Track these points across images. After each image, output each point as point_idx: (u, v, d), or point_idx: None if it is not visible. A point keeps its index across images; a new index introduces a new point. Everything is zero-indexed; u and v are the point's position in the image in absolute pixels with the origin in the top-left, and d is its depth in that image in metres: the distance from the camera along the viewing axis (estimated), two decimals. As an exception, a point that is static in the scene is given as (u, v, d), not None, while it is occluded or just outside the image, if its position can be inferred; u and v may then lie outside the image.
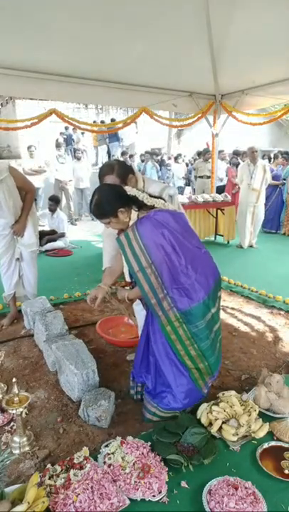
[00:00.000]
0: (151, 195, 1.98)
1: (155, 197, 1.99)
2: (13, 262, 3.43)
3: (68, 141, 11.79)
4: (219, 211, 6.70)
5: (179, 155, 11.49)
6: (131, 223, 1.94)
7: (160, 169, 10.59)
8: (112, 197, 1.92)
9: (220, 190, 7.86)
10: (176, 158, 11.28)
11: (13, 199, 3.18)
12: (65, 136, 11.97)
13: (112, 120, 10.21)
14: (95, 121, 11.79)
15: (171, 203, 2.21)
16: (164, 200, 2.02)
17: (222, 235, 6.82)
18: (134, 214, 1.95)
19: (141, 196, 1.92)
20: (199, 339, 1.93)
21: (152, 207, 1.95)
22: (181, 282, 1.84)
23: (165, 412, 2.02)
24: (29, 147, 8.44)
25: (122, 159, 10.05)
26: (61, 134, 12.02)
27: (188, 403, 2.02)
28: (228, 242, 6.78)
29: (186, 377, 1.97)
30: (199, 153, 9.81)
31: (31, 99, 9.71)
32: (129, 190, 1.93)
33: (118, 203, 1.90)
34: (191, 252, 1.90)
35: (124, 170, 2.20)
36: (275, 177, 7.82)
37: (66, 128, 11.85)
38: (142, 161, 10.10)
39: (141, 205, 1.95)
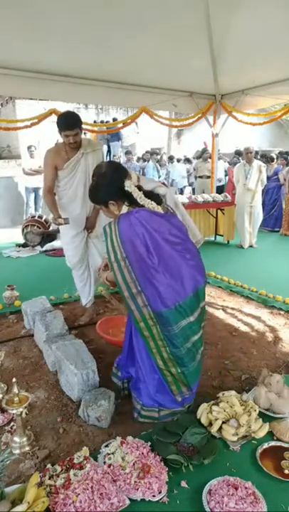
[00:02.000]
0: (148, 195, 1.98)
1: (152, 197, 1.99)
2: (88, 268, 3.36)
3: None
4: (219, 211, 6.70)
5: (209, 156, 11.29)
6: None
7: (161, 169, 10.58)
8: (106, 188, 1.97)
9: (218, 190, 7.87)
10: (188, 160, 11.23)
11: None
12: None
13: (114, 119, 10.20)
14: (95, 121, 11.78)
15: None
16: (157, 202, 2.00)
17: (222, 235, 6.83)
18: (125, 208, 1.97)
19: (135, 194, 1.94)
20: (172, 344, 1.93)
21: (142, 206, 1.96)
22: (153, 283, 1.84)
23: (146, 409, 2.05)
24: (29, 147, 8.42)
25: (125, 159, 10.06)
26: None
27: (159, 400, 2.03)
28: (228, 242, 6.78)
29: (158, 374, 2.01)
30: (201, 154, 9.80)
31: (31, 99, 9.73)
32: (128, 185, 1.94)
33: (110, 195, 1.96)
34: (169, 256, 1.88)
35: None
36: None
37: None
38: (144, 160, 10.08)
39: (133, 202, 1.97)
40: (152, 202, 1.96)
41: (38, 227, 6.41)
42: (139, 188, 1.99)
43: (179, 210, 2.41)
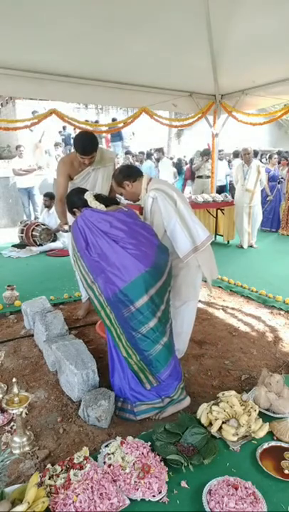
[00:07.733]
0: (100, 199, 2.34)
1: (102, 200, 2.35)
2: None
3: (67, 140, 11.77)
4: (219, 211, 6.70)
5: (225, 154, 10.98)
6: None
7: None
8: (69, 199, 2.56)
9: (219, 190, 7.85)
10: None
11: (108, 186, 3.23)
12: (64, 136, 11.95)
13: (114, 120, 10.19)
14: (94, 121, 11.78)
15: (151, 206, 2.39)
16: (105, 204, 2.31)
17: (222, 235, 6.83)
18: None
19: (89, 201, 2.34)
20: (125, 331, 2.07)
21: None
22: (98, 272, 2.09)
23: (125, 403, 2.15)
24: (18, 147, 8.33)
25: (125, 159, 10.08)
26: (60, 133, 12.00)
27: (136, 395, 2.12)
28: (228, 242, 6.78)
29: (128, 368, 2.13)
30: (203, 154, 9.73)
31: (31, 99, 9.74)
32: (86, 196, 2.38)
33: (72, 204, 2.52)
34: (108, 248, 2.09)
35: (122, 176, 2.49)
36: (272, 177, 7.83)
37: (64, 128, 11.82)
38: (140, 161, 10.06)
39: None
40: (97, 202, 2.31)
41: (43, 224, 6.55)
42: (97, 196, 2.38)
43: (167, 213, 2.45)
